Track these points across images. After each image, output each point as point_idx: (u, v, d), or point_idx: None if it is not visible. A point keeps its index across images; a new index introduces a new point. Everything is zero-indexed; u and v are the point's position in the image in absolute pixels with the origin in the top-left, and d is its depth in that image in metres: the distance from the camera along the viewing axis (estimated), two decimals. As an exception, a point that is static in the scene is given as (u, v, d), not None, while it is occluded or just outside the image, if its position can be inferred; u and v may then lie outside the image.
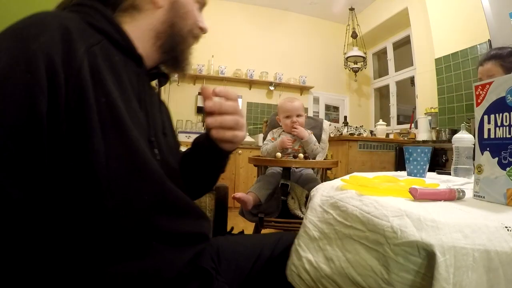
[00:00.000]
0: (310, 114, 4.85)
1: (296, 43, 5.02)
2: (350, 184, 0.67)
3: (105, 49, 0.52)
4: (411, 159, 1.06)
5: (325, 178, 1.86)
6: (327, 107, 5.21)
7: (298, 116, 1.83)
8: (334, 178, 0.97)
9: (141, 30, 0.62)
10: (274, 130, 1.95)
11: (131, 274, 0.50)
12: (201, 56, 4.56)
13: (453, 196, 0.57)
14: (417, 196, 0.54)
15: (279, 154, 1.70)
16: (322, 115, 5.02)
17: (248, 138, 4.19)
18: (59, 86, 0.43)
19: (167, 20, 0.64)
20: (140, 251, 0.51)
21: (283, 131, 1.91)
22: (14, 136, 0.40)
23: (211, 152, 0.70)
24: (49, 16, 0.47)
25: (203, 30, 0.72)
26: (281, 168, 1.76)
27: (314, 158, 1.83)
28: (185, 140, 3.73)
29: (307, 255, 0.59)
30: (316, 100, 5.11)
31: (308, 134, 1.77)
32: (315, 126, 2.08)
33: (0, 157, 0.40)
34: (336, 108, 5.29)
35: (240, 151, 3.91)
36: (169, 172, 0.58)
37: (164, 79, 0.77)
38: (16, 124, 0.41)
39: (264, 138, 2.06)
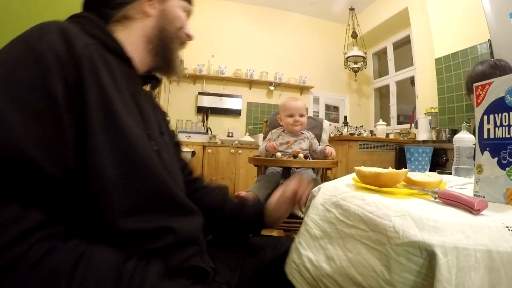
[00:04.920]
0: (310, 114, 4.85)
1: (296, 43, 5.02)
2: (368, 186, 0.66)
3: (98, 49, 0.57)
4: (412, 159, 1.06)
5: (325, 178, 1.86)
6: (327, 107, 5.21)
7: (301, 116, 1.84)
8: (334, 178, 0.97)
9: (133, 36, 0.68)
10: (274, 131, 1.96)
11: None
12: (201, 56, 4.55)
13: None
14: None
15: (279, 154, 1.70)
16: (322, 115, 5.02)
17: (248, 138, 4.19)
18: (68, 73, 0.48)
19: (157, 26, 0.70)
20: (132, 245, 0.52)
21: (283, 131, 1.91)
22: (37, 118, 0.44)
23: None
24: (48, 23, 0.52)
25: (189, 37, 0.77)
26: (281, 168, 1.77)
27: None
28: (185, 140, 3.73)
29: (307, 253, 0.58)
30: (316, 100, 5.11)
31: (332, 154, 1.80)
32: (315, 126, 2.08)
33: (31, 137, 0.43)
34: (336, 108, 5.29)
35: (240, 151, 3.91)
36: (163, 165, 0.63)
37: (156, 82, 0.81)
38: (37, 108, 0.44)
39: (264, 138, 2.06)
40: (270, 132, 1.97)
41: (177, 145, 0.86)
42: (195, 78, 4.56)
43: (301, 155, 1.71)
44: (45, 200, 0.45)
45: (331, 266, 0.52)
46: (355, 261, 0.49)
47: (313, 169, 1.89)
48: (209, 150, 3.82)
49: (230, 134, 4.42)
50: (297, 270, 0.59)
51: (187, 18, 0.78)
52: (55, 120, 0.45)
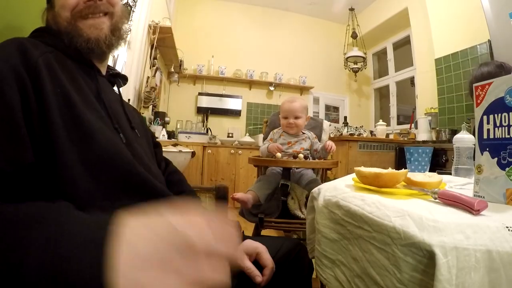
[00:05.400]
0: (310, 114, 4.84)
1: (296, 43, 5.02)
2: (368, 187, 0.66)
3: (57, 56, 0.62)
4: (412, 159, 1.06)
5: (325, 179, 1.86)
6: (327, 107, 5.21)
7: (296, 118, 1.82)
8: (334, 179, 0.97)
9: None
10: (275, 131, 1.95)
11: None
12: (201, 57, 4.56)
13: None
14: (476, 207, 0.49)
15: (279, 154, 1.70)
16: (322, 115, 5.02)
17: (248, 138, 4.19)
18: (24, 81, 0.52)
19: (56, 23, 0.70)
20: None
21: (284, 131, 1.91)
22: None
23: None
24: (8, 40, 0.58)
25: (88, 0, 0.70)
26: (281, 168, 1.76)
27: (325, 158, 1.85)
28: (185, 140, 3.73)
29: (338, 257, 0.59)
30: (316, 100, 5.11)
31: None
32: (315, 127, 2.08)
33: None
34: (336, 109, 5.29)
35: (240, 151, 3.91)
36: (134, 156, 0.65)
37: (123, 81, 0.85)
38: None
39: (264, 138, 2.06)
40: (271, 132, 1.97)
41: (156, 146, 0.90)
42: (195, 78, 4.56)
43: (301, 155, 1.70)
44: (8, 195, 0.47)
45: (358, 266, 0.53)
46: (371, 262, 0.49)
47: (313, 169, 1.89)
48: (209, 151, 3.82)
49: (230, 135, 4.42)
50: (334, 275, 0.59)
51: None
52: (8, 122, 0.48)
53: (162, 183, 0.74)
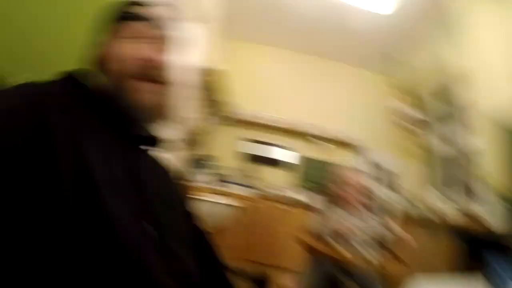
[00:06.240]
0: (364, 177, 4.49)
1: (352, 99, 4.87)
2: None
3: (84, 115, 0.53)
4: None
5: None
6: (380, 168, 4.81)
7: (361, 194, 1.64)
8: None
9: None
10: (329, 206, 1.72)
11: None
12: (250, 102, 4.53)
13: None
14: None
15: (348, 255, 1.46)
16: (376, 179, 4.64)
17: (298, 196, 3.86)
18: (29, 145, 0.44)
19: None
20: None
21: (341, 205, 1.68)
22: None
23: None
24: (27, 88, 0.51)
25: (147, 61, 0.62)
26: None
27: None
28: (225, 189, 3.57)
29: None
30: (370, 162, 4.74)
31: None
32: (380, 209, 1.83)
33: None
34: (391, 173, 4.86)
35: (287, 208, 3.56)
36: (164, 255, 0.52)
37: (153, 142, 0.69)
38: None
39: (319, 203, 1.81)
40: (324, 207, 1.74)
41: (189, 215, 0.75)
42: (242, 123, 4.48)
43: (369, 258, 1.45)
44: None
45: None
46: None
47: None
48: (252, 204, 3.51)
49: (277, 188, 4.10)
50: None
51: (140, 36, 0.64)
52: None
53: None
